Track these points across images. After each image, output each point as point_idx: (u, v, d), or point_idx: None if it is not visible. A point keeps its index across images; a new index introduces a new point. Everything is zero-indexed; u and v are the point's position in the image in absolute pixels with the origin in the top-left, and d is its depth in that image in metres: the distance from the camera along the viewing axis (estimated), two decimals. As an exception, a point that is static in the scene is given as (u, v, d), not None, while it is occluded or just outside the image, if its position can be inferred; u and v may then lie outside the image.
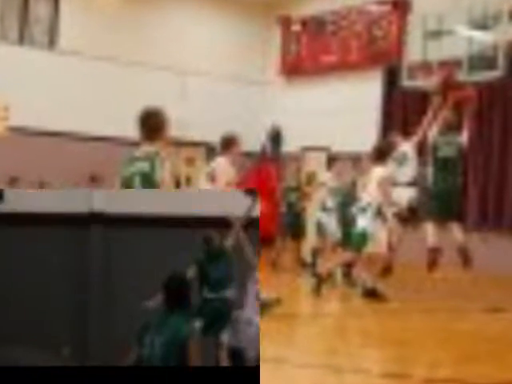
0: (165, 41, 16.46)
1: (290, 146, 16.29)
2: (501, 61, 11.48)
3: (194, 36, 16.42)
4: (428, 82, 12.18)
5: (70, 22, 15.39)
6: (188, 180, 16.00)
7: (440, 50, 12.33)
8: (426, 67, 12.46)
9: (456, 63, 11.98)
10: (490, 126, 12.82)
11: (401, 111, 14.27)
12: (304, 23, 16.66)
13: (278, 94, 16.79)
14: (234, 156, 8.04)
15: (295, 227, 11.59)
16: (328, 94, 15.76)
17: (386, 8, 14.52)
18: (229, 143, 8.07)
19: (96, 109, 15.17)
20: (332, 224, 10.05)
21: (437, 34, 12.42)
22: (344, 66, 15.51)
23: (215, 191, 7.49)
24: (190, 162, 16.24)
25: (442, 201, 9.11)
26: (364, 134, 13.93)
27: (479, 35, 11.89)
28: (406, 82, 13.00)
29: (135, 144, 5.64)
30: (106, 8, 15.75)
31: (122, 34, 15.95)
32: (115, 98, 15.41)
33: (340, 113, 14.98)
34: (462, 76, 11.69)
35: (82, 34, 15.44)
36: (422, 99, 13.64)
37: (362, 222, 8.50)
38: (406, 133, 11.59)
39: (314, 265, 10.29)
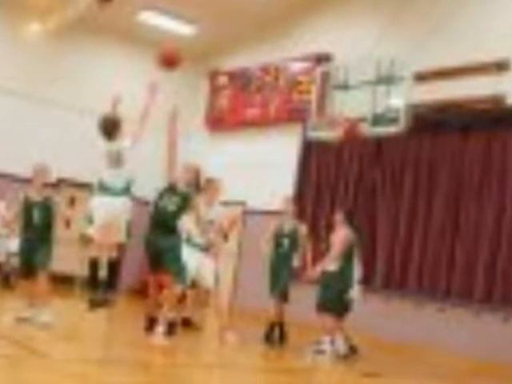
0: (89, 84, 16.25)
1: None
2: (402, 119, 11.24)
3: (119, 82, 15.90)
4: (331, 134, 12.04)
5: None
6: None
7: (347, 105, 12.12)
8: (332, 120, 12.22)
9: (360, 118, 11.78)
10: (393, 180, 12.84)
11: (314, 162, 14.19)
12: (231, 77, 16.56)
13: (202, 146, 16.53)
14: None
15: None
16: (249, 148, 15.60)
17: (310, 64, 14.46)
18: None
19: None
20: None
21: (345, 88, 12.23)
22: (265, 121, 15.40)
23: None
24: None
25: None
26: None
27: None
28: (310, 134, 12.76)
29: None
30: (30, 43, 15.58)
31: (41, 70, 15.78)
32: (20, 133, 15.22)
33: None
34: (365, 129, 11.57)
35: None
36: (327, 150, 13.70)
37: None
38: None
39: None
